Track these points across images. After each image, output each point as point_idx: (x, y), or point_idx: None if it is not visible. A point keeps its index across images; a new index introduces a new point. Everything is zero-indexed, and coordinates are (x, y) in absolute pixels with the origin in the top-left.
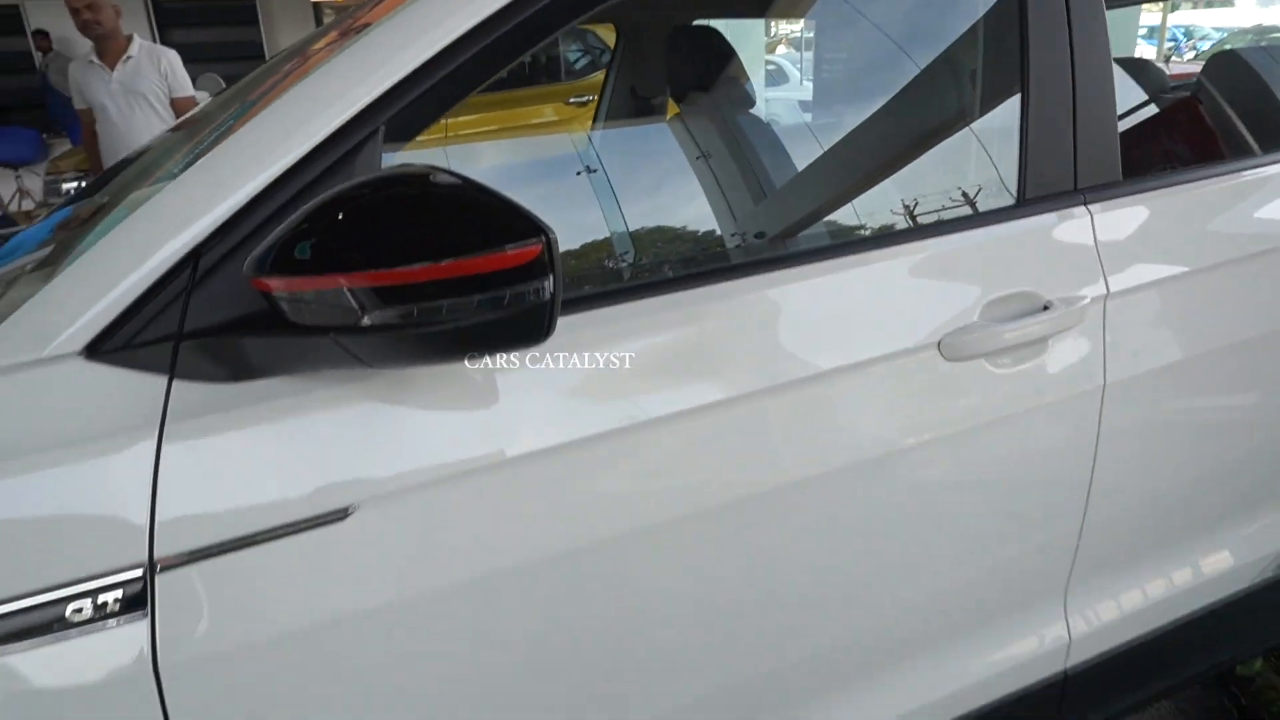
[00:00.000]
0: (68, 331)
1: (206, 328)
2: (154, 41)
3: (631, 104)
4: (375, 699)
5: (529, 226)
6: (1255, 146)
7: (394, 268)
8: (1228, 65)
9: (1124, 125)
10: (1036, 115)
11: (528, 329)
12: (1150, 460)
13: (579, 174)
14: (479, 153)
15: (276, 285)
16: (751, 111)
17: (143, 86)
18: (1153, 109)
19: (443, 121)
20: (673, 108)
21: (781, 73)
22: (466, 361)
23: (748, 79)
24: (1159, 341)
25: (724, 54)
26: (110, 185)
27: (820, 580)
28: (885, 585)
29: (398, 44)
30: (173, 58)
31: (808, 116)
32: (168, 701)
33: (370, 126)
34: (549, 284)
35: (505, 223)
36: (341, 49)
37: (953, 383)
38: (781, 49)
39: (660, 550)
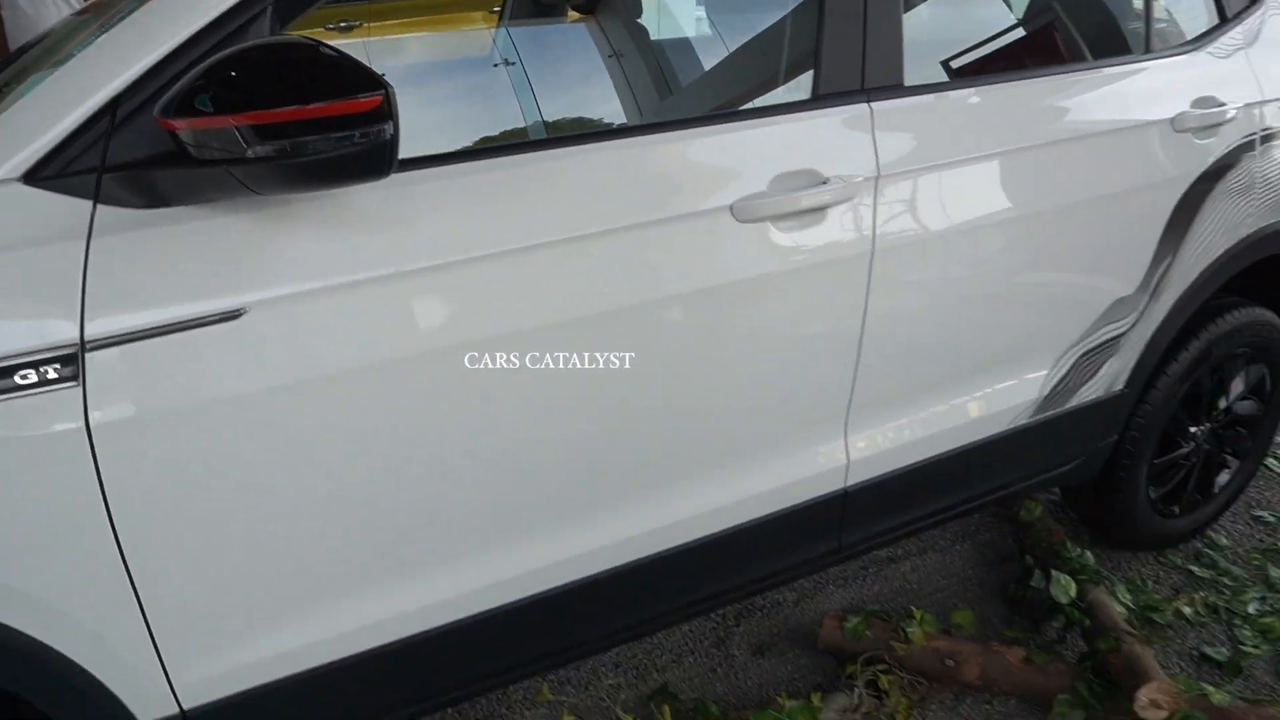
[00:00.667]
0: (9, 163)
1: (123, 163)
2: None
3: (531, 9)
4: (264, 468)
5: (373, 82)
6: (1062, 56)
7: (270, 110)
8: None
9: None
10: (830, 30)
11: (373, 164)
12: (914, 314)
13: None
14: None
15: (180, 125)
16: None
17: None
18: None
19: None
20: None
21: None
22: (328, 189)
23: None
24: (920, 216)
25: None
26: (25, 58)
27: (634, 399)
28: (690, 406)
29: None
30: None
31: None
32: (98, 454)
33: (260, 5)
34: (389, 128)
35: (355, 79)
36: None
37: (742, 239)
38: None
39: (485, 361)
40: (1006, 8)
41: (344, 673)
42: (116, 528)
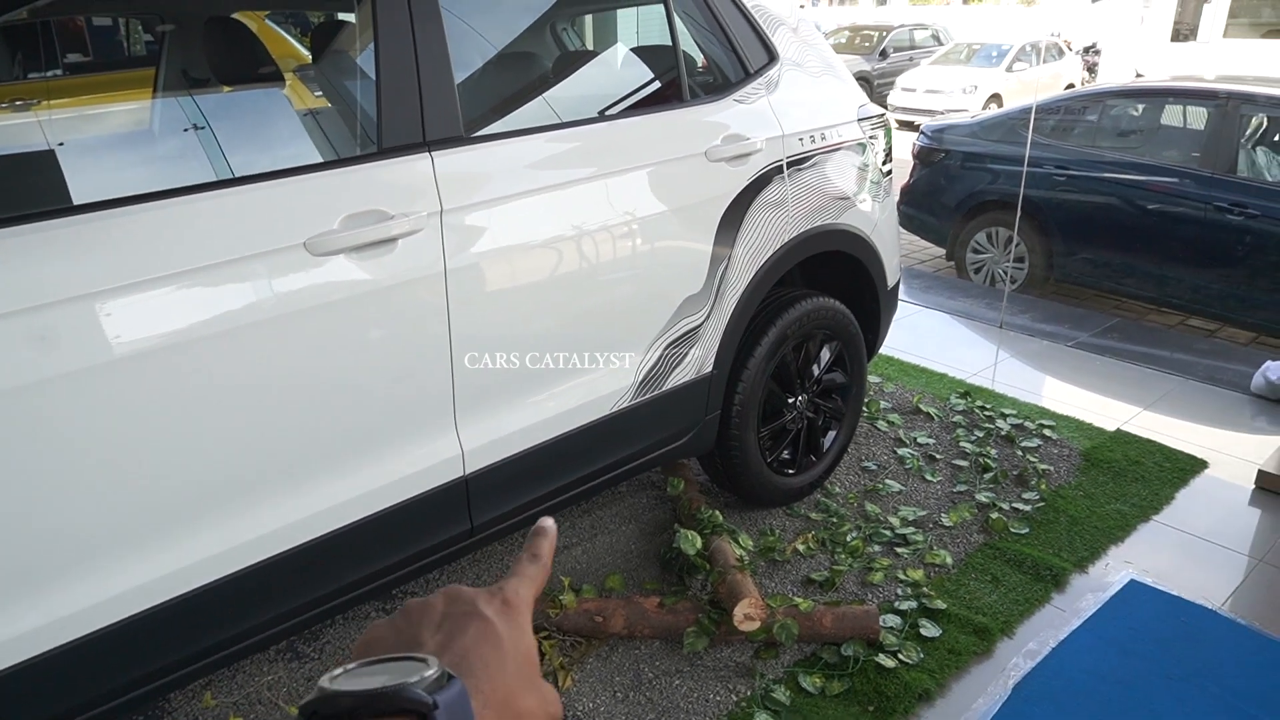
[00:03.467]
0: None
1: None
2: None
3: (185, 83)
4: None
5: None
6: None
7: None
8: (590, 56)
9: (523, 102)
10: (388, 93)
11: None
12: (498, 321)
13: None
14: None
15: None
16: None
17: None
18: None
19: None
20: None
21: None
22: None
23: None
24: (487, 239)
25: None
26: None
27: (251, 408)
28: (305, 414)
29: None
30: None
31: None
32: None
33: None
34: None
35: None
36: None
37: (318, 270)
38: None
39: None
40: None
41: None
42: None
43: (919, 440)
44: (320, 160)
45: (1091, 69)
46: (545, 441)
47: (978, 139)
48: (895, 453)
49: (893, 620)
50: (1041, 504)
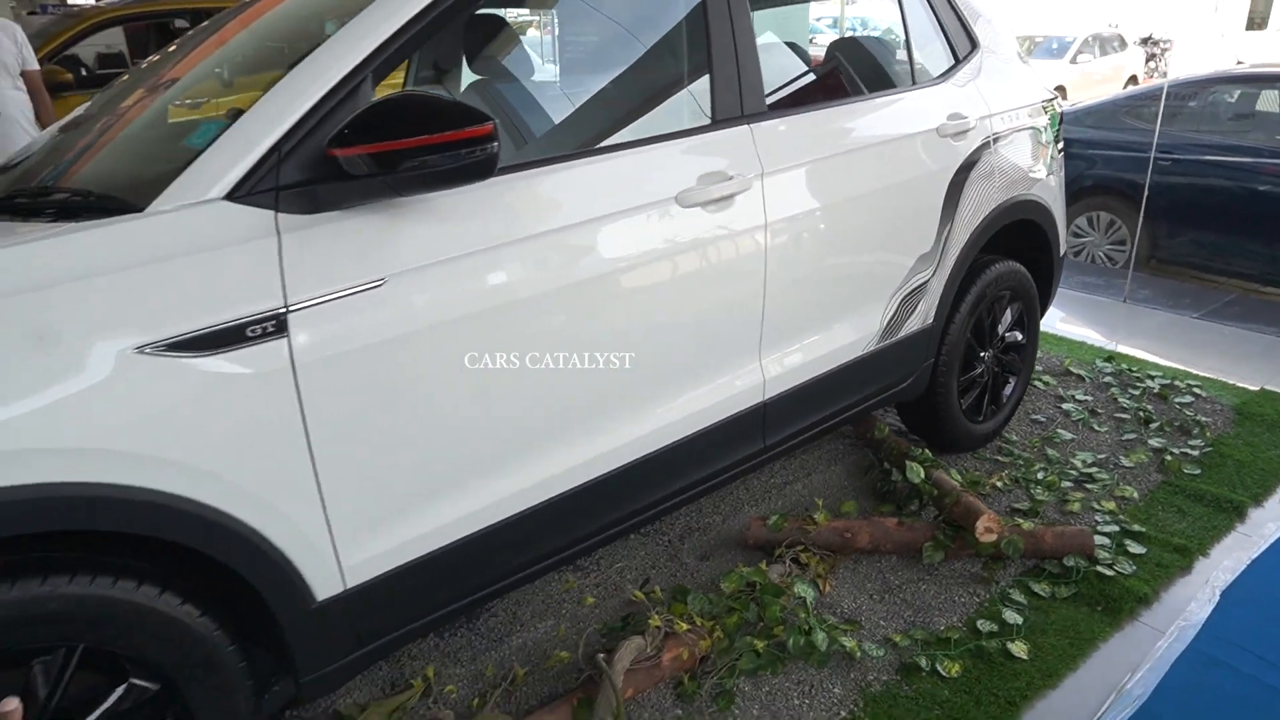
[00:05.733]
0: (215, 188)
1: (290, 183)
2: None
3: (433, 75)
4: (406, 391)
5: (482, 116)
6: (863, 89)
7: (415, 138)
8: (845, 43)
9: (792, 84)
10: (719, 73)
11: (483, 169)
12: (796, 268)
13: None
14: None
15: (343, 153)
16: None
17: (5, 57)
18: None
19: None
20: None
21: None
22: (450, 189)
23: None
24: (792, 200)
25: (507, 36)
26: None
27: (625, 335)
28: (647, 344)
29: (371, 26)
30: (21, 33)
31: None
32: (300, 384)
33: (363, 74)
34: (496, 145)
35: (468, 115)
36: (341, 29)
37: (685, 219)
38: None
39: (542, 307)
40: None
41: (458, 552)
42: (310, 438)
43: (1077, 397)
44: (676, 130)
45: (1151, 59)
46: (817, 375)
47: (1077, 126)
48: (1059, 407)
49: (1101, 540)
50: (1208, 449)
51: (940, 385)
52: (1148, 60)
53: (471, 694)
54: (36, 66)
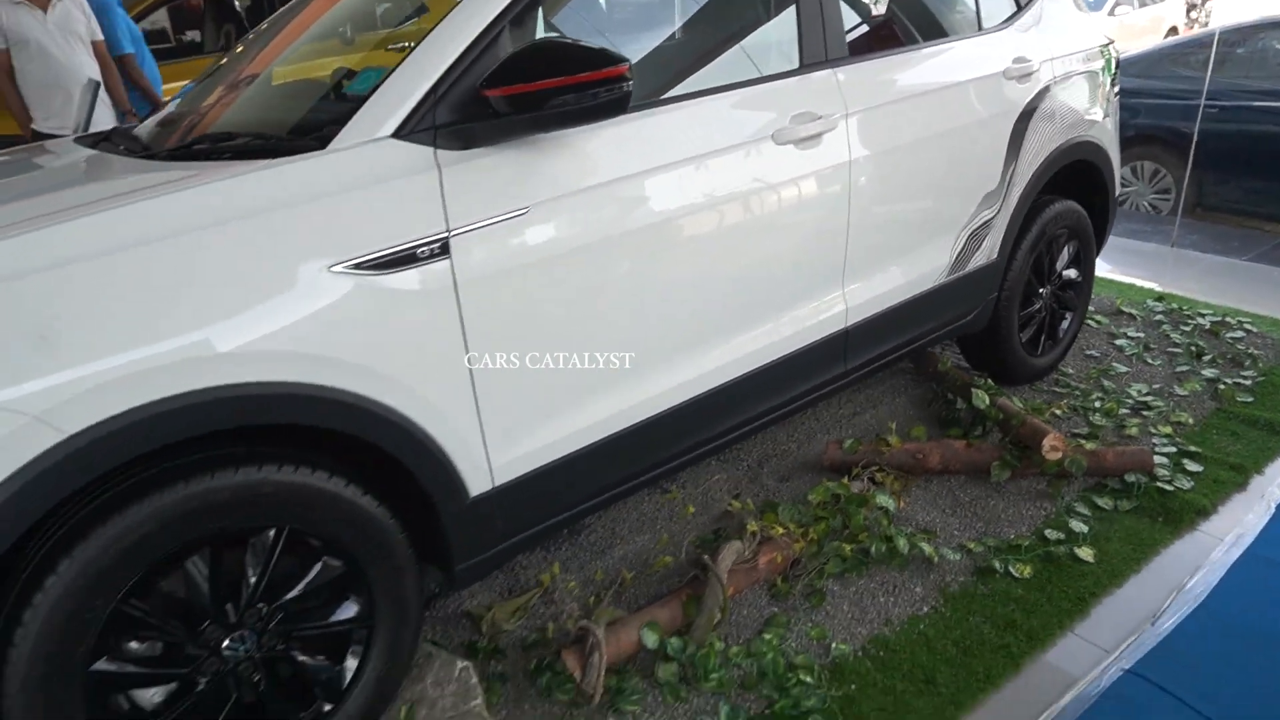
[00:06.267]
0: (384, 127)
1: (446, 122)
2: None
3: None
4: (554, 303)
5: (618, 58)
6: (933, 34)
7: (558, 78)
8: None
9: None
10: (805, 19)
11: (618, 106)
12: (877, 202)
13: None
14: None
15: (494, 92)
16: None
17: (77, 28)
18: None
19: None
20: None
21: None
22: (590, 123)
23: None
24: (874, 138)
25: None
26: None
27: (715, 266)
28: (752, 269)
29: None
30: (87, 4)
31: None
32: (461, 300)
33: (502, 24)
34: (629, 84)
35: (605, 57)
36: None
37: (781, 154)
38: None
39: (661, 233)
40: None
41: (586, 458)
42: (469, 348)
43: (1129, 334)
44: (769, 74)
45: (1192, 9)
46: (893, 305)
47: (1122, 76)
48: (1112, 343)
49: (1160, 459)
50: (1261, 379)
51: (1002, 319)
52: (1189, 11)
53: (585, 595)
54: (102, 37)
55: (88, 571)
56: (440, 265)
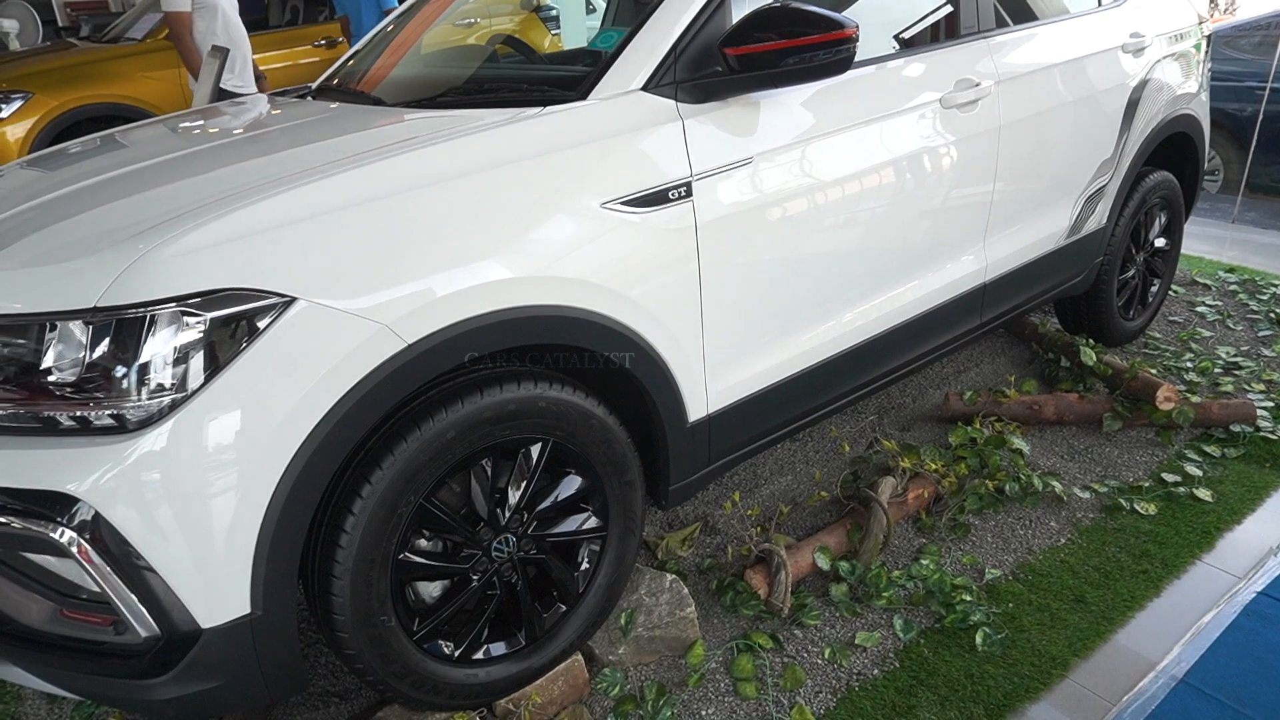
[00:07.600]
0: (634, 82)
1: (683, 79)
2: None
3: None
4: (772, 246)
5: (847, 21)
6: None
7: (792, 39)
8: None
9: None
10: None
11: (843, 65)
12: (1018, 164)
13: None
14: None
15: (735, 50)
16: None
17: None
18: None
19: None
20: None
21: None
22: (816, 82)
23: None
24: (1018, 105)
25: None
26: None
27: (897, 216)
28: (923, 221)
29: None
30: None
31: None
32: (700, 240)
33: None
34: (855, 45)
35: (833, 21)
36: None
37: (946, 117)
38: None
39: (850, 188)
40: None
41: (780, 390)
42: (701, 283)
43: (1207, 303)
44: (936, 42)
45: None
46: (1022, 264)
47: None
48: (1194, 311)
49: (1261, 411)
50: None
51: (1104, 282)
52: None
53: (744, 527)
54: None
55: (406, 470)
56: (685, 207)
